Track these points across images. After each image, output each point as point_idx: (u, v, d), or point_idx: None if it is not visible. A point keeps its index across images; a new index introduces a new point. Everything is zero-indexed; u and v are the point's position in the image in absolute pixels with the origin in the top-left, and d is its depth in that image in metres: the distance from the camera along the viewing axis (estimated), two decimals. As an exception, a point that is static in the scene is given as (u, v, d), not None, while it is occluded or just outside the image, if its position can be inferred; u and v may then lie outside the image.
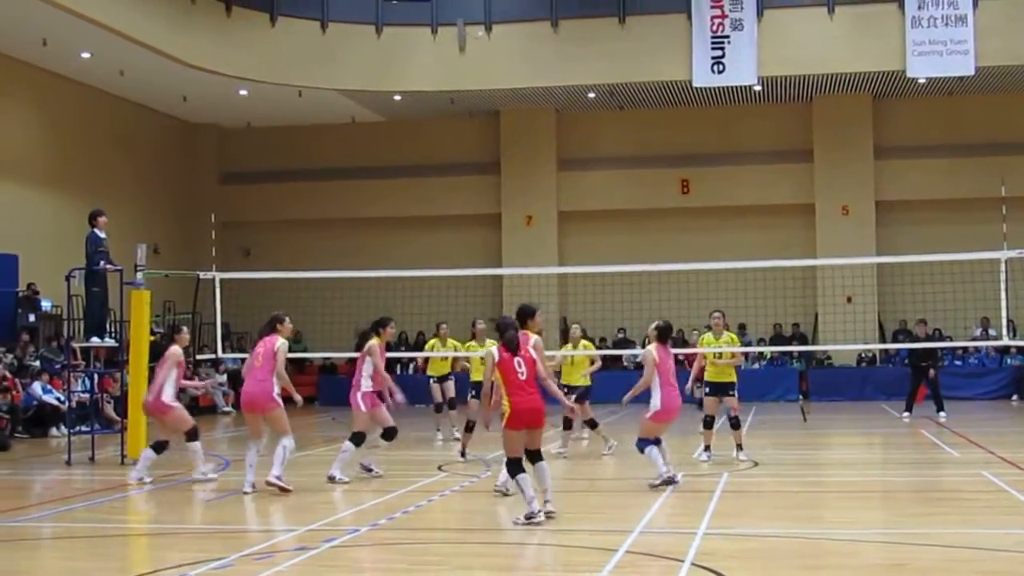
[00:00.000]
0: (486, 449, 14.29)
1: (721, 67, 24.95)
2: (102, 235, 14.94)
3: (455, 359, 17.38)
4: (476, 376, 15.69)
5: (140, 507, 11.50)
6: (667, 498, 10.73)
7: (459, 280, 21.93)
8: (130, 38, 22.19)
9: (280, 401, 11.44)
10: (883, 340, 26.32)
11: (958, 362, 26.61)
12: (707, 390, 13.99)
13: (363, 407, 12.38)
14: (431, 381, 17.34)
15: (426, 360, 17.50)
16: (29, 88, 23.94)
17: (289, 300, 20.21)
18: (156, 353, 13.32)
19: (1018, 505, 10.31)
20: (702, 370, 14.15)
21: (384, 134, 29.83)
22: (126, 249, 16.16)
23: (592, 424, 15.03)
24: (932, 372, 20.20)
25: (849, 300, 24.82)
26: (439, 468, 13.54)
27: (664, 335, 11.70)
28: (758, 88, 26.31)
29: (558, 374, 16.63)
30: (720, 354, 13.87)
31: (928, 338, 21.95)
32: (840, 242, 26.60)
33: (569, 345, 15.70)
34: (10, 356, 20.38)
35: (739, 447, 13.77)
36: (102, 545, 9.24)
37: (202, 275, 17.06)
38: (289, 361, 11.85)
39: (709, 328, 14.29)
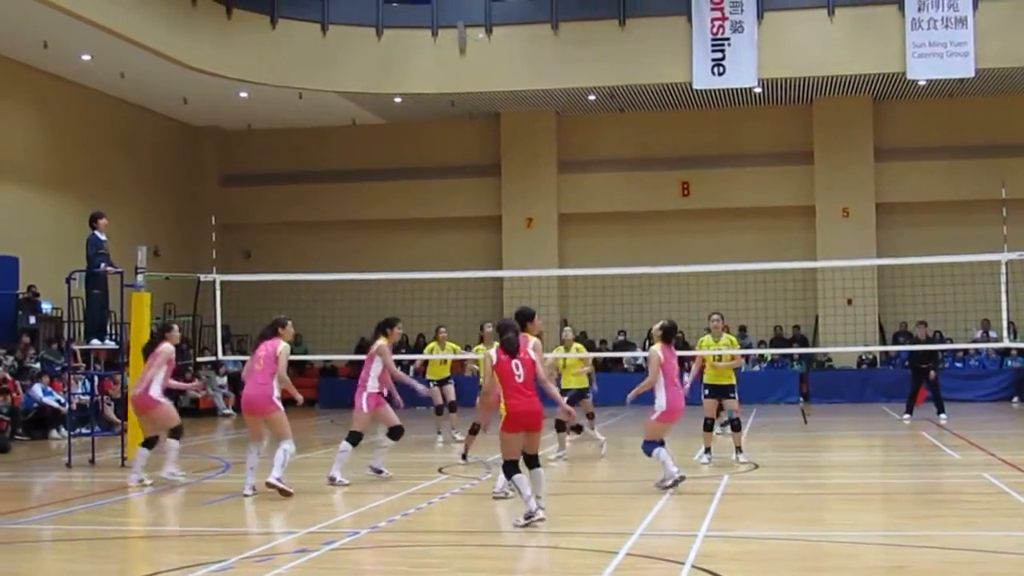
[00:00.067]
0: (487, 452, 14.28)
1: (721, 69, 24.97)
2: (103, 237, 14.94)
3: (463, 362, 17.41)
4: None
5: (140, 509, 11.49)
6: (667, 500, 10.72)
7: (459, 282, 21.95)
8: (130, 40, 22.22)
9: (280, 405, 11.43)
10: (883, 342, 26.31)
11: (959, 364, 26.62)
12: (706, 392, 13.98)
13: (365, 408, 12.37)
14: (431, 384, 17.35)
15: (425, 363, 17.50)
16: (30, 90, 23.95)
17: (289, 302, 20.23)
18: (146, 351, 13.34)
19: (1019, 507, 10.30)
20: (701, 372, 14.14)
21: (384, 136, 29.85)
22: (127, 251, 16.16)
23: (577, 428, 14.93)
24: (933, 374, 20.19)
25: (850, 302, 24.83)
26: (439, 471, 13.54)
27: (669, 335, 11.64)
28: (758, 90, 26.32)
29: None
30: (720, 357, 13.87)
31: (928, 340, 21.95)
32: (840, 244, 26.61)
33: (562, 347, 15.70)
34: (10, 358, 20.38)
35: (739, 449, 13.76)
36: (102, 547, 9.23)
37: (202, 277, 17.07)
38: (289, 363, 11.84)
39: (709, 331, 14.28)
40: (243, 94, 26.51)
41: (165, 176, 28.90)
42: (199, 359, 23.40)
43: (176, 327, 13.62)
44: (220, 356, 18.29)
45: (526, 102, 27.80)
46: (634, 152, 28.94)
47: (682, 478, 11.18)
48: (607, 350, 26.66)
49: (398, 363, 13.13)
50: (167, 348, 12.90)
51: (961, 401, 23.90)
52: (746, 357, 23.56)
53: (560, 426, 14.70)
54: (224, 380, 26.30)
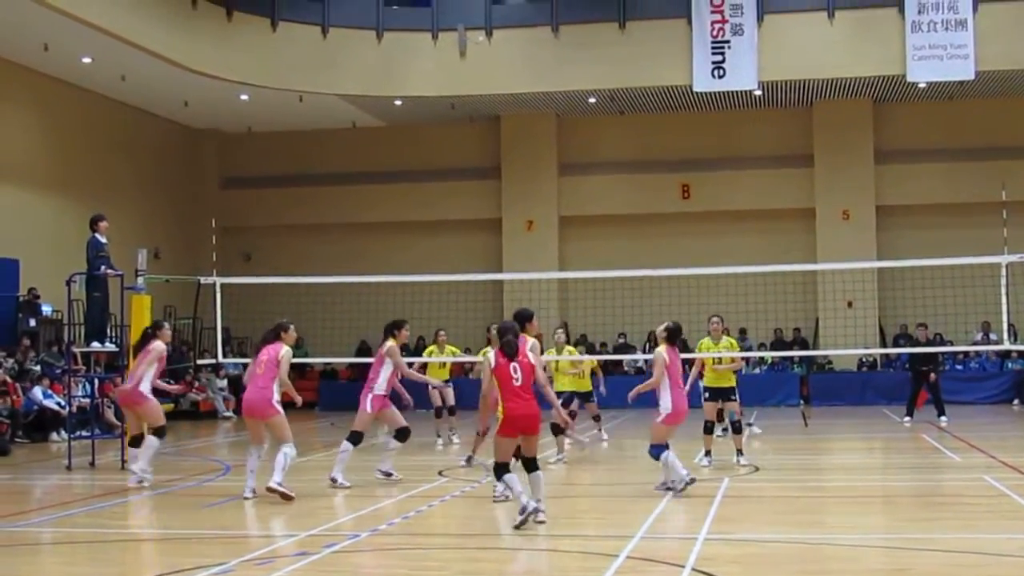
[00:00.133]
0: (489, 455, 14.25)
1: (721, 72, 24.98)
2: (103, 240, 14.94)
3: (463, 365, 17.44)
4: None
5: (141, 512, 11.48)
6: (668, 503, 10.72)
7: (460, 285, 21.94)
8: (131, 43, 22.23)
9: (280, 408, 11.40)
10: (884, 344, 26.28)
11: (959, 366, 26.62)
12: (707, 395, 13.97)
13: (370, 409, 12.38)
14: (430, 387, 17.35)
15: (424, 366, 17.50)
16: (30, 93, 23.96)
17: (289, 305, 20.23)
18: (137, 348, 13.37)
19: (1020, 510, 10.29)
20: (701, 374, 14.13)
21: (385, 139, 29.85)
22: (127, 254, 16.15)
23: (561, 429, 14.87)
24: (933, 376, 20.18)
25: (850, 304, 24.83)
26: (440, 473, 13.53)
27: (674, 336, 11.58)
28: (758, 93, 26.32)
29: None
30: (720, 360, 13.86)
31: (929, 342, 21.94)
32: (841, 246, 26.62)
33: (553, 350, 15.69)
34: (11, 361, 20.38)
35: (739, 452, 13.75)
36: (102, 550, 9.23)
37: (203, 280, 17.06)
38: (290, 366, 11.83)
39: (709, 333, 14.27)
40: (243, 97, 26.53)
41: (165, 179, 28.90)
42: (199, 362, 23.39)
43: (167, 325, 13.71)
44: (220, 359, 18.28)
45: (526, 105, 27.81)
46: (634, 155, 28.95)
47: (692, 480, 11.13)
48: (607, 353, 26.65)
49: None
50: (159, 346, 13.00)
51: (961, 403, 23.88)
52: (746, 360, 23.54)
53: (556, 430, 14.67)
54: (224, 383, 26.30)
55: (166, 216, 28.53)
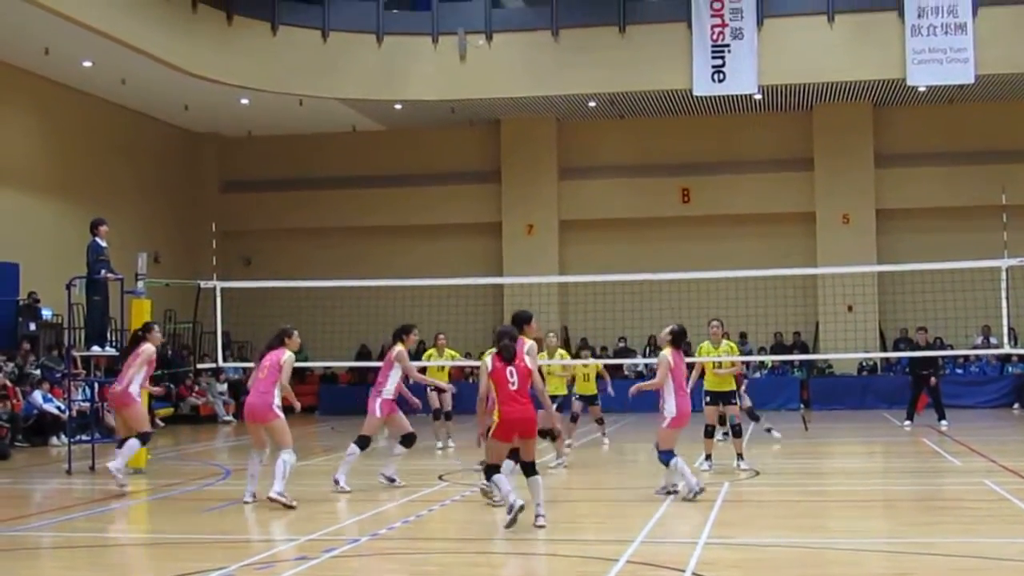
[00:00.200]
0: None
1: (721, 76, 24.98)
2: (103, 244, 14.95)
3: (462, 369, 17.44)
4: None
5: (140, 517, 11.48)
6: (668, 507, 10.71)
7: (460, 289, 21.93)
8: (131, 47, 22.23)
9: (281, 413, 11.36)
10: (884, 348, 26.30)
11: (959, 370, 26.60)
12: (707, 399, 13.96)
13: (379, 413, 12.40)
14: (428, 390, 17.35)
15: (423, 370, 17.50)
16: (31, 96, 23.97)
17: (290, 309, 20.23)
18: (127, 350, 13.36)
19: (1021, 514, 10.29)
20: (701, 378, 14.13)
21: (385, 143, 29.85)
22: (127, 258, 16.16)
23: (553, 435, 14.88)
24: (933, 380, 20.16)
25: (850, 308, 24.82)
26: (440, 478, 13.52)
27: (678, 340, 11.53)
28: (758, 97, 26.33)
29: (571, 383, 16.83)
30: (720, 363, 13.86)
31: (929, 346, 21.92)
32: (841, 250, 26.61)
33: (545, 354, 15.70)
34: (11, 365, 20.37)
35: (740, 456, 13.75)
36: (102, 555, 9.22)
37: (203, 284, 17.05)
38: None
39: (709, 337, 14.26)
40: (244, 101, 26.54)
41: (166, 182, 28.91)
42: (199, 366, 23.37)
43: (157, 327, 13.68)
44: (220, 363, 18.26)
45: (526, 109, 27.82)
46: (634, 159, 28.95)
47: (702, 490, 11.05)
48: (608, 357, 26.63)
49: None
50: (148, 348, 13.03)
51: (962, 407, 23.86)
52: (747, 364, 23.53)
53: (553, 435, 14.63)
54: (224, 387, 26.29)
55: (166, 220, 28.53)
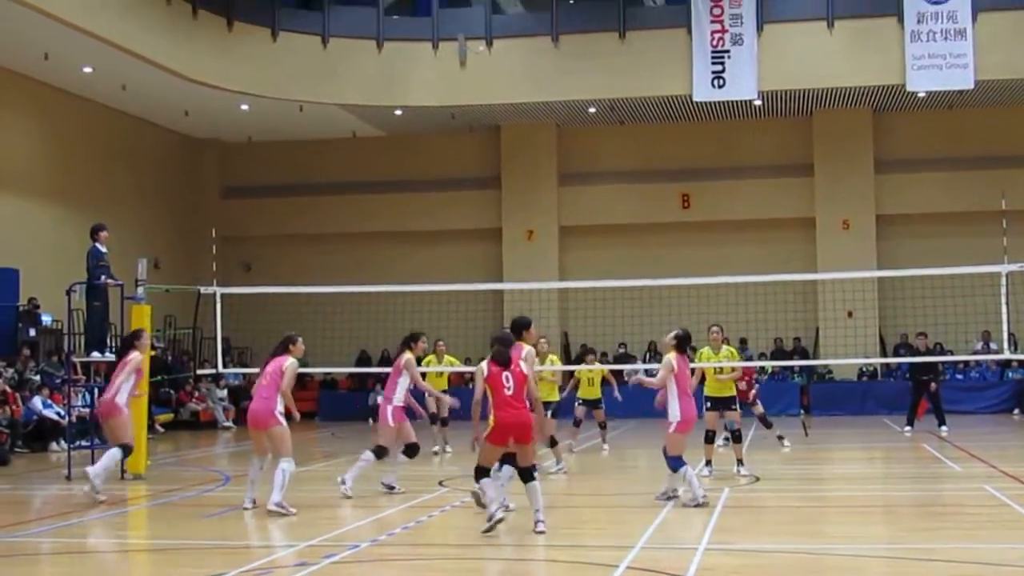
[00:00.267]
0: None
1: (721, 82, 25.00)
2: (103, 249, 14.94)
3: (462, 375, 17.41)
4: None
5: (140, 522, 11.47)
6: (668, 513, 10.70)
7: (460, 295, 21.92)
8: (132, 52, 22.25)
9: (282, 419, 11.28)
10: (884, 354, 26.29)
11: (959, 376, 26.60)
12: (708, 405, 13.95)
13: (391, 421, 12.38)
14: (427, 396, 17.31)
15: (423, 376, 17.48)
16: (31, 102, 23.99)
17: (290, 315, 20.24)
18: (117, 358, 13.34)
19: (1021, 519, 10.27)
20: (701, 384, 14.12)
21: (385, 149, 29.87)
22: (127, 263, 16.16)
23: (553, 441, 14.89)
24: (933, 386, 20.16)
25: (850, 314, 24.81)
26: (440, 483, 13.51)
27: (683, 344, 11.48)
28: (758, 102, 26.36)
29: (576, 386, 16.89)
30: (720, 369, 13.86)
31: (929, 352, 21.93)
32: (841, 256, 26.60)
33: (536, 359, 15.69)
34: (10, 370, 20.35)
35: (740, 462, 13.73)
36: (102, 561, 9.21)
37: (203, 290, 17.05)
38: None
39: (709, 343, 14.26)
40: (244, 106, 26.56)
41: (166, 188, 28.92)
42: (200, 371, 23.38)
43: (146, 334, 13.62)
44: (220, 369, 18.26)
45: (526, 114, 27.84)
46: (634, 164, 28.97)
47: (706, 503, 11.06)
48: (608, 362, 26.60)
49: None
50: (137, 357, 12.99)
51: (962, 413, 23.85)
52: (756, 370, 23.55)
53: (552, 441, 14.63)
54: (224, 393, 26.28)
55: (166, 226, 28.53)
